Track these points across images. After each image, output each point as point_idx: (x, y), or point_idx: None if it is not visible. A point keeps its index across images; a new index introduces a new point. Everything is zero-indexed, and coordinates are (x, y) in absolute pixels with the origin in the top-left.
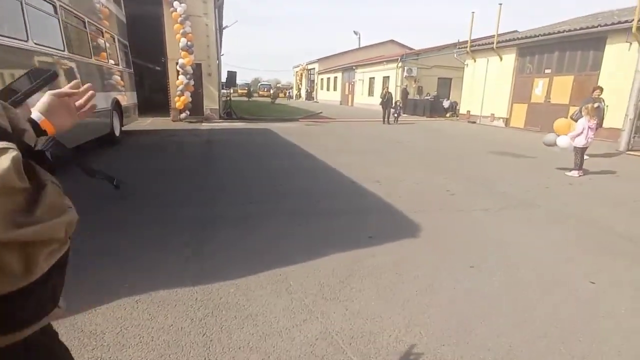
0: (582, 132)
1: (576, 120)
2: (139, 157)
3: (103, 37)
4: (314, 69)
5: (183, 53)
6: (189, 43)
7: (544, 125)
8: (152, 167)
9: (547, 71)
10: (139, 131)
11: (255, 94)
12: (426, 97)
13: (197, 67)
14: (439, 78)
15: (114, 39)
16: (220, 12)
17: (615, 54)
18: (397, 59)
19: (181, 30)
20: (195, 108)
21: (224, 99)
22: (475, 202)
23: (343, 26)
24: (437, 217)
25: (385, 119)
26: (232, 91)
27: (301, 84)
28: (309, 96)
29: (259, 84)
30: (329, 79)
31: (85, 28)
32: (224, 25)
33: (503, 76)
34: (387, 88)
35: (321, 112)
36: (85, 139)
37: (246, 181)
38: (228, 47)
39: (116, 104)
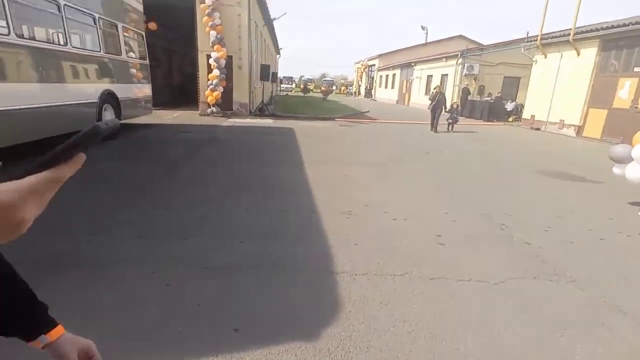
0: None
1: None
2: (109, 156)
3: (95, 24)
4: (374, 65)
5: (216, 46)
6: (219, 35)
7: (627, 137)
8: (100, 170)
9: (637, 69)
10: (155, 125)
11: (318, 90)
12: (486, 99)
13: (228, 60)
14: (505, 77)
15: (115, 27)
16: (262, 1)
17: None
18: (457, 54)
19: (210, 23)
20: (225, 102)
21: (257, 92)
22: (473, 261)
23: (413, 21)
24: (390, 291)
25: (434, 126)
26: (293, 85)
27: (361, 80)
28: (368, 93)
29: (322, 80)
30: (387, 76)
31: (60, 12)
32: (272, 17)
33: (579, 75)
34: (438, 87)
35: (368, 111)
36: (60, 131)
37: (177, 201)
38: (296, 42)
39: (108, 95)
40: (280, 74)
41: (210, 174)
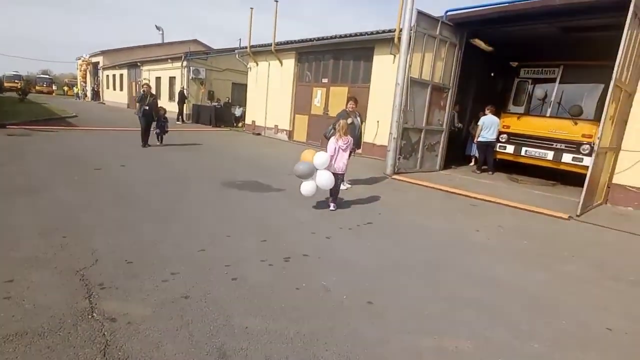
0: (334, 155)
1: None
2: None
3: None
4: (98, 63)
5: None
6: None
7: (324, 141)
8: None
9: (324, 80)
10: None
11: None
12: (214, 104)
13: None
14: (233, 83)
15: None
16: None
17: (382, 66)
18: (181, 56)
19: None
20: None
21: None
22: None
23: (150, 21)
24: None
25: (146, 138)
26: None
27: (85, 80)
28: (96, 95)
29: (37, 77)
30: (114, 76)
31: None
32: None
33: (285, 83)
34: (147, 84)
35: (75, 116)
36: None
37: None
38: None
39: None
40: None
41: None
